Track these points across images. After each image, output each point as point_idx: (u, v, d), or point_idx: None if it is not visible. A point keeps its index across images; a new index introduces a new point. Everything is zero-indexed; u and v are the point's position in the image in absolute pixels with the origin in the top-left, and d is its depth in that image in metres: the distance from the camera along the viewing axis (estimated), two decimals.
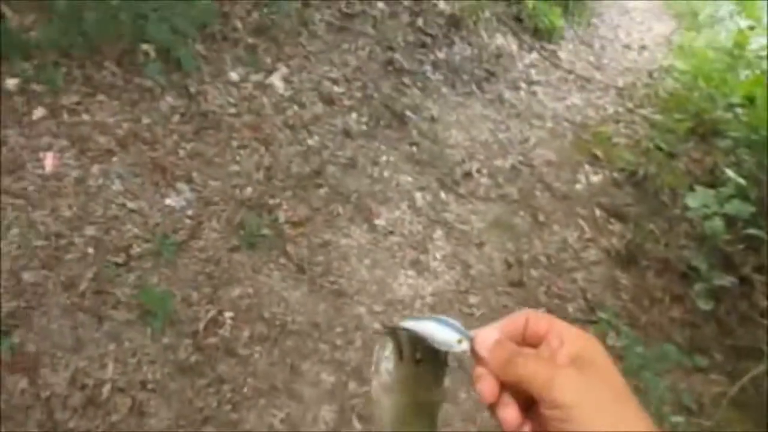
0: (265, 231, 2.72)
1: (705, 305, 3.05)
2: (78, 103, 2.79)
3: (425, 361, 0.54)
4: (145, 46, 3.01)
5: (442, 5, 4.45)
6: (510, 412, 0.49)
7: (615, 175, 3.84)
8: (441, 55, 4.13)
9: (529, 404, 0.49)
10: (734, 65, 5.10)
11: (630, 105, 4.79)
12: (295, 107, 3.27)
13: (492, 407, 0.50)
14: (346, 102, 3.46)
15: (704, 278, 3.14)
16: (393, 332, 0.55)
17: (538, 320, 0.52)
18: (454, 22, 4.40)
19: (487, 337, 0.52)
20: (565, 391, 0.44)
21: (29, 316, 2.19)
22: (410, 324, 0.55)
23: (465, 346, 0.51)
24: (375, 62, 3.78)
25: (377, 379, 0.52)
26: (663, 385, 2.68)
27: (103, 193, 2.57)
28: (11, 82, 2.75)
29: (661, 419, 2.53)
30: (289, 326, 2.49)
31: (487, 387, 0.50)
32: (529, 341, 0.52)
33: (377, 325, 2.59)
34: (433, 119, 3.69)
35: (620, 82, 5.16)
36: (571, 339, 0.49)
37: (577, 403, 0.44)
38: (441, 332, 0.52)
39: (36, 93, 2.75)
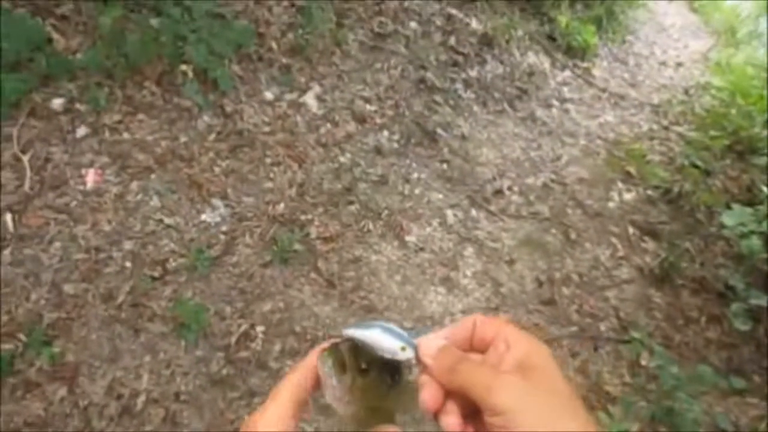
0: (297, 246, 2.77)
1: (742, 325, 2.99)
2: (119, 122, 2.89)
3: (372, 369, 0.53)
4: (183, 67, 3.11)
5: (474, 24, 4.48)
6: (451, 420, 0.48)
7: (649, 192, 3.79)
8: (473, 73, 4.15)
9: (475, 411, 0.47)
10: None
11: (665, 122, 4.74)
12: (328, 125, 3.33)
13: (435, 415, 0.49)
14: (378, 120, 3.51)
15: (741, 298, 3.08)
16: (333, 346, 0.54)
17: (486, 325, 0.52)
18: (487, 41, 4.42)
19: (431, 344, 0.51)
20: (506, 398, 0.43)
21: (69, 327, 2.27)
22: (355, 332, 0.54)
23: (409, 353, 0.52)
24: (407, 81, 3.82)
25: (327, 391, 0.52)
26: (698, 408, 2.62)
27: (142, 209, 2.65)
28: (57, 102, 2.86)
29: None
30: (320, 340, 2.51)
31: (430, 395, 0.49)
32: (476, 347, 0.51)
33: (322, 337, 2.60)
34: (464, 137, 3.71)
35: (655, 99, 5.11)
36: (517, 343, 0.48)
37: (519, 410, 0.43)
38: (385, 340, 0.52)
39: (80, 112, 2.86)
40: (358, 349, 0.53)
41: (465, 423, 0.48)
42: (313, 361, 0.53)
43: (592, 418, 0.45)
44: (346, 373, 0.52)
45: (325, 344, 0.55)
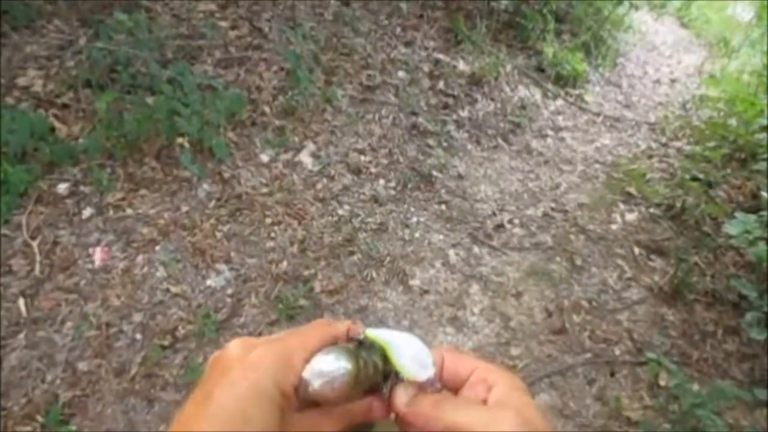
0: (302, 302, 2.81)
1: (758, 335, 2.93)
2: (122, 199, 3.00)
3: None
4: (180, 140, 3.24)
5: (461, 66, 4.60)
6: None
7: (652, 210, 3.79)
8: (464, 113, 4.24)
9: None
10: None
11: (663, 139, 4.76)
12: (325, 180, 3.41)
13: None
14: (374, 170, 3.59)
15: (755, 306, 3.03)
16: (355, 344, 0.48)
17: (459, 360, 0.48)
18: (475, 81, 4.53)
19: (404, 391, 0.47)
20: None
21: (85, 404, 2.32)
22: (384, 335, 0.49)
23: (431, 372, 0.47)
24: (399, 128, 3.92)
25: (318, 382, 0.44)
26: (722, 423, 2.56)
27: (148, 281, 2.73)
28: (62, 187, 2.99)
29: None
30: None
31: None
32: (446, 384, 0.48)
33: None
34: (460, 176, 3.77)
35: (652, 118, 5.15)
36: (498, 383, 0.46)
37: None
38: (421, 352, 0.48)
39: (84, 194, 2.98)
40: (377, 355, 0.48)
41: None
42: (321, 336, 0.47)
43: None
44: (355, 385, 0.45)
45: (341, 326, 0.50)
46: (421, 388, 0.47)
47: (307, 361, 0.44)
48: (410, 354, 0.47)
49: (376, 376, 0.48)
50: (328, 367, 0.44)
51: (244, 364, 0.42)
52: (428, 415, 0.45)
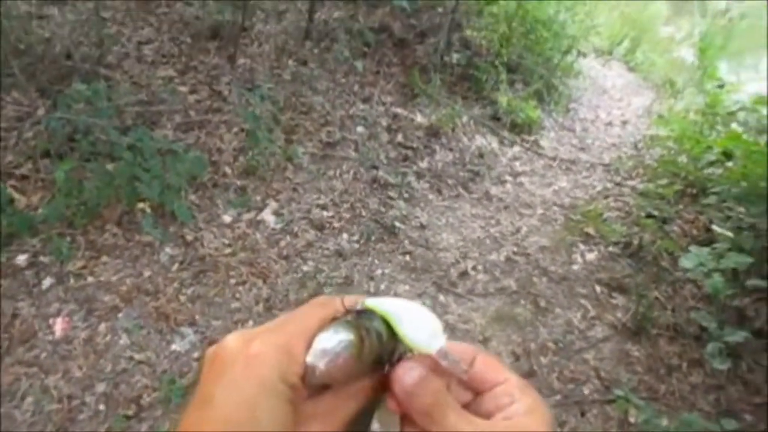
0: None
1: (721, 365, 2.99)
2: (83, 267, 2.98)
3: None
4: (141, 205, 3.25)
5: (419, 119, 4.73)
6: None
7: (610, 249, 3.89)
8: (423, 164, 4.34)
9: None
10: (713, 124, 5.27)
11: (618, 179, 4.92)
12: (288, 237, 3.44)
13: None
14: (337, 224, 3.63)
15: (715, 337, 3.10)
16: (360, 317, 0.45)
17: (490, 365, 0.46)
18: (433, 132, 4.65)
19: (409, 371, 0.43)
20: None
21: None
22: (390, 305, 0.46)
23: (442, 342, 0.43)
24: (360, 182, 3.99)
25: (323, 360, 0.41)
26: None
27: (111, 349, 2.69)
28: (21, 258, 2.97)
29: None
30: None
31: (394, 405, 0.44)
32: (469, 383, 0.45)
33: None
34: (423, 226, 3.83)
35: (606, 159, 5.32)
36: (522, 400, 0.44)
37: None
38: (430, 322, 0.44)
39: (44, 264, 2.96)
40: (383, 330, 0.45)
41: None
42: (321, 315, 0.44)
43: None
44: (361, 356, 0.42)
45: (338, 301, 0.46)
46: (434, 363, 0.43)
47: (309, 345, 0.42)
48: (416, 322, 0.44)
49: (383, 345, 0.44)
50: (329, 344, 0.41)
51: (245, 360, 0.39)
52: (423, 411, 0.42)
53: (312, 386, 0.41)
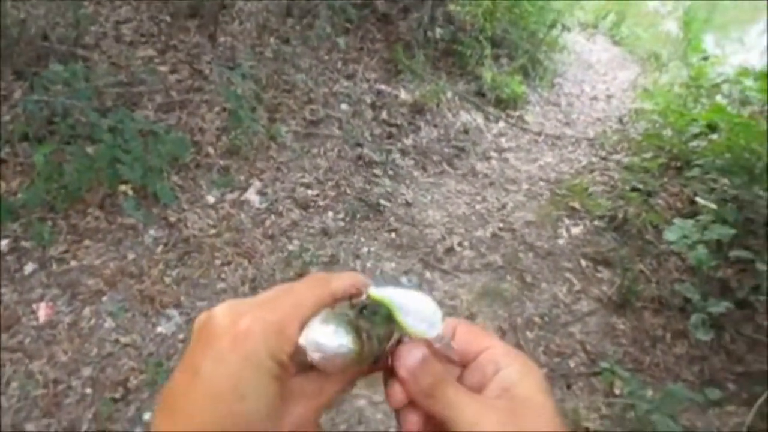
0: None
1: (704, 336, 3.03)
2: (65, 252, 2.95)
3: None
4: (123, 187, 3.21)
5: (403, 95, 4.69)
6: (413, 419, 0.43)
7: (596, 223, 3.90)
8: (408, 141, 4.31)
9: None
10: (697, 96, 5.27)
11: (603, 153, 4.92)
12: (273, 217, 3.42)
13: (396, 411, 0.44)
14: (321, 203, 3.61)
15: (699, 309, 3.13)
16: (358, 306, 0.44)
17: (471, 334, 0.46)
18: (417, 109, 4.62)
19: (411, 352, 0.43)
20: None
21: None
22: (390, 294, 0.45)
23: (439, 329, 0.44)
24: (345, 160, 3.96)
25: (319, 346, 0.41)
26: (676, 426, 2.62)
27: (96, 333, 2.68)
28: (2, 244, 2.93)
29: None
30: None
31: (396, 394, 0.43)
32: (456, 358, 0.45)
33: (379, 416, 2.61)
34: (408, 203, 3.82)
35: (591, 133, 5.32)
36: (509, 368, 0.43)
37: None
38: (427, 308, 0.45)
39: (26, 249, 2.92)
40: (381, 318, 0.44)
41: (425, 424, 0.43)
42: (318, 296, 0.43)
43: None
44: (359, 361, 0.42)
45: (340, 283, 0.45)
46: (429, 346, 0.43)
47: (303, 326, 0.41)
48: (416, 311, 0.44)
49: (382, 347, 0.44)
50: (329, 343, 0.41)
51: (233, 335, 0.38)
52: (425, 391, 0.42)
53: (300, 364, 0.41)
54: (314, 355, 0.40)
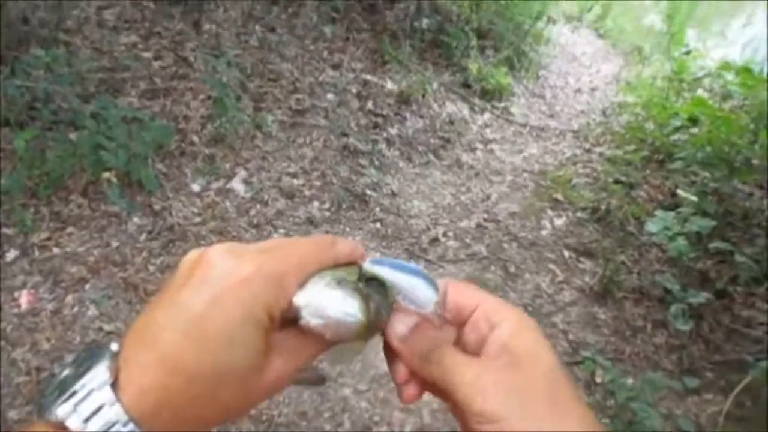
0: None
1: (683, 326, 3.08)
2: (48, 239, 2.92)
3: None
4: (106, 174, 3.18)
5: (389, 85, 4.69)
6: (411, 392, 0.44)
7: (579, 215, 3.94)
8: (394, 131, 4.32)
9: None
10: (679, 90, 5.33)
11: (587, 145, 4.96)
12: (258, 206, 3.41)
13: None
14: (307, 192, 3.61)
15: (678, 299, 3.19)
16: (362, 283, 0.43)
17: (462, 293, 0.45)
18: (404, 99, 4.62)
19: (402, 320, 0.43)
20: (498, 405, 0.37)
21: None
22: (388, 272, 0.44)
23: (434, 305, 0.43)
24: (330, 149, 3.96)
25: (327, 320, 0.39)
26: (656, 414, 2.67)
27: (79, 321, 2.66)
28: None
29: None
30: (276, 419, 2.52)
31: (400, 370, 0.44)
32: (449, 319, 0.44)
33: (363, 404, 2.63)
34: (393, 194, 3.83)
35: (575, 125, 5.36)
36: (503, 323, 0.42)
37: (505, 416, 0.37)
38: (421, 290, 0.44)
39: (7, 236, 2.89)
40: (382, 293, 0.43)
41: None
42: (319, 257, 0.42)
43: (591, 413, 0.40)
44: (365, 317, 0.40)
45: (344, 248, 0.44)
46: (421, 318, 0.43)
47: (301, 283, 0.40)
48: (412, 289, 0.43)
49: (383, 321, 0.43)
50: (335, 309, 0.39)
51: (234, 279, 0.38)
52: (420, 357, 0.42)
53: (287, 320, 0.40)
54: (312, 321, 0.39)
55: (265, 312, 0.37)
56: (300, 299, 0.39)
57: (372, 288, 0.43)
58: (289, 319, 0.40)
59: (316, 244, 0.43)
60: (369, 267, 0.45)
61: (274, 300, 0.38)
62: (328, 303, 0.39)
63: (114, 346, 0.37)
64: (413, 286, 0.44)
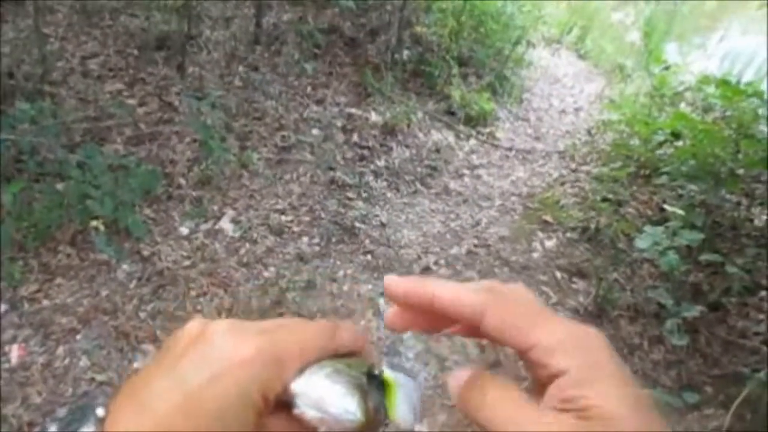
0: None
1: (679, 341, 3.07)
2: (37, 291, 2.91)
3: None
4: (94, 223, 3.18)
5: (373, 117, 4.73)
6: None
7: (568, 235, 3.95)
8: (380, 163, 4.35)
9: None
10: (661, 105, 5.40)
11: (573, 165, 5.00)
12: (247, 245, 3.41)
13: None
14: (296, 228, 3.62)
15: (673, 314, 3.18)
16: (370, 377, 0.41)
17: (506, 325, 0.39)
18: (389, 130, 4.66)
19: (459, 374, 0.40)
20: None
21: None
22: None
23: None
24: (318, 184, 3.98)
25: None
26: None
27: (71, 373, 2.64)
28: None
29: None
30: None
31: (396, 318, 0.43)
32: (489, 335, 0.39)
33: None
34: (383, 225, 3.84)
35: (561, 146, 5.41)
36: (570, 371, 0.35)
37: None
38: (339, 401, 0.39)
39: None
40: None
41: None
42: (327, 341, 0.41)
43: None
44: (365, 418, 0.38)
45: (347, 336, 0.42)
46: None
47: (300, 370, 0.39)
48: (410, 402, 0.41)
49: (380, 423, 0.40)
50: (334, 405, 0.38)
51: (234, 359, 0.37)
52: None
53: (276, 405, 0.39)
54: (308, 413, 0.38)
55: (260, 394, 0.37)
56: (297, 387, 0.38)
57: (380, 388, 0.41)
58: (283, 402, 0.39)
59: (319, 330, 0.42)
60: (387, 372, 0.42)
61: (270, 383, 0.38)
62: (328, 397, 0.38)
63: (100, 412, 0.37)
64: (413, 391, 0.42)
